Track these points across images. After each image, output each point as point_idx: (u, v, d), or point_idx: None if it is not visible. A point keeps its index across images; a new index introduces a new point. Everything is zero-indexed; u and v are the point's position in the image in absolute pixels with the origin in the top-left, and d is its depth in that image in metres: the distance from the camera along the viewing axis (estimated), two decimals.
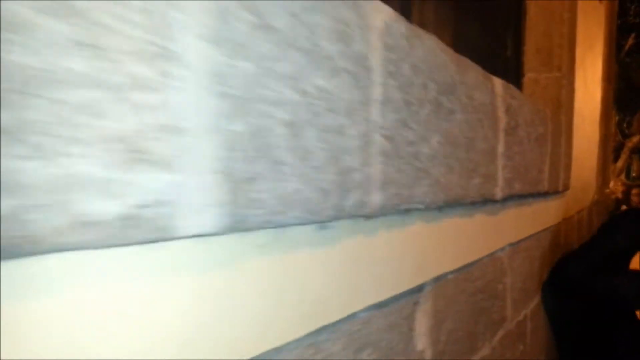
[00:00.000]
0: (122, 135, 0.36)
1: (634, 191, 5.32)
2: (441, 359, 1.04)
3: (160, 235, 0.40)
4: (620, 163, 11.36)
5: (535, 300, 1.85)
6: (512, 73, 1.94)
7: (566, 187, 2.05)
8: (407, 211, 0.83)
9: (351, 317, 0.73)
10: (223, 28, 0.43)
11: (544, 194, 1.73)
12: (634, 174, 15.17)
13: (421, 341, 0.97)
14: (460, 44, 1.56)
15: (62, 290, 0.36)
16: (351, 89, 0.62)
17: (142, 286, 0.42)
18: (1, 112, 0.29)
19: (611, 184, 6.27)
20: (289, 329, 0.60)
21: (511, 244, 1.48)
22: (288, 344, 0.60)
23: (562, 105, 1.97)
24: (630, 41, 9.87)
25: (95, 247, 0.36)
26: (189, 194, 0.42)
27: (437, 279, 1.01)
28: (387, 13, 0.70)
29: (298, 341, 0.62)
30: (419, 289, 0.94)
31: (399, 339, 0.88)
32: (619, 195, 5.89)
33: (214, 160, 0.44)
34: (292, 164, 0.53)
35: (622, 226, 2.05)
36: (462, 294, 1.14)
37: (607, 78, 3.65)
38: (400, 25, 0.73)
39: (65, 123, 0.33)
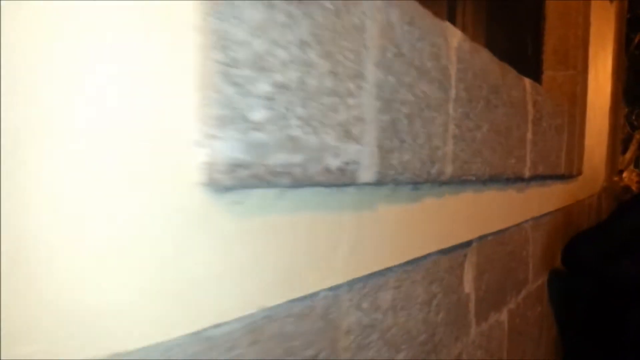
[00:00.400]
0: (342, 122, 0.64)
1: (615, 179, 5.51)
2: (483, 302, 1.33)
3: (352, 181, 0.68)
4: (628, 155, 11.55)
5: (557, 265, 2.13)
6: (533, 71, 2.20)
7: (579, 172, 2.32)
8: (464, 182, 1.11)
9: (427, 256, 1.02)
10: (383, 58, 0.71)
11: (561, 177, 2.01)
12: None
13: (468, 286, 1.25)
14: (491, 44, 1.82)
15: (296, 211, 0.64)
16: (438, 91, 0.90)
17: (329, 214, 0.70)
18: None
19: (625, 175, 6.47)
20: (397, 256, 0.88)
21: (534, 218, 1.76)
22: (392, 267, 0.88)
23: (576, 99, 2.24)
24: (638, 37, 10.05)
25: (328, 186, 0.65)
26: (364, 158, 0.70)
27: (481, 238, 1.29)
28: (458, 35, 0.97)
29: (399, 266, 0.90)
30: (467, 243, 1.22)
31: (454, 281, 1.17)
32: (634, 186, 6.06)
33: (374, 138, 0.72)
34: (408, 142, 0.81)
35: (633, 210, 2.14)
36: (497, 254, 1.43)
37: (617, 73, 3.90)
38: (466, 43, 1.01)
39: (323, 116, 0.61)
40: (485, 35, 1.82)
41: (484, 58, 1.10)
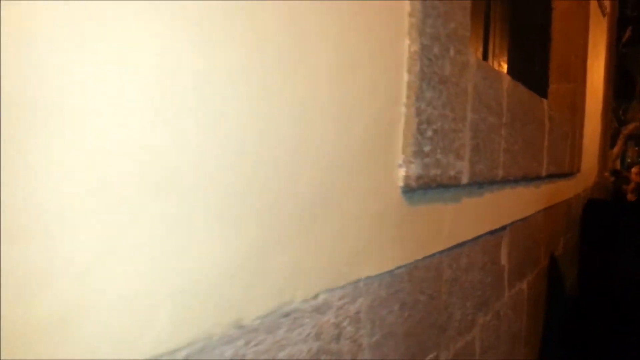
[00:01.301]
0: (455, 148, 1.07)
1: (634, 170, 5.95)
2: (512, 273, 1.77)
3: (459, 183, 1.11)
4: (616, 149, 12.13)
5: (557, 253, 2.58)
6: (541, 84, 2.64)
7: (578, 170, 2.78)
8: (506, 181, 1.54)
9: (482, 235, 1.45)
10: (473, 104, 1.14)
11: (565, 175, 2.46)
12: (629, 160, 16.00)
13: (503, 259, 1.69)
14: (512, 62, 2.25)
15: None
16: (497, 119, 1.33)
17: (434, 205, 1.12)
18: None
19: (634, 170, 6.92)
20: (469, 234, 1.31)
21: (545, 209, 2.20)
22: (466, 241, 1.31)
23: (576, 108, 2.69)
24: (628, 33, 10.57)
25: (448, 187, 1.07)
26: (465, 169, 1.12)
27: (512, 224, 1.72)
28: (507, 79, 1.40)
29: (470, 241, 1.33)
30: (504, 227, 1.65)
31: (496, 255, 1.60)
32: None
33: (468, 157, 1.14)
34: (482, 157, 1.23)
35: None
36: (521, 237, 1.87)
37: (608, 78, 4.37)
38: (511, 82, 1.44)
39: (450, 145, 1.03)
40: (508, 55, 2.25)
41: (520, 90, 1.54)
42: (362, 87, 0.78)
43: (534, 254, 2.10)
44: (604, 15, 3.79)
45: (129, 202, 0.46)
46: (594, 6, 3.26)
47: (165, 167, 0.49)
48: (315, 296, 0.74)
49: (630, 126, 12.31)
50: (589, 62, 3.08)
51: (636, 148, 20.81)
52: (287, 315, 0.68)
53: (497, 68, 1.98)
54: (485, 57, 1.87)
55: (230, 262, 0.58)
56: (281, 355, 0.68)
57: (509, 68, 2.14)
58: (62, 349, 0.42)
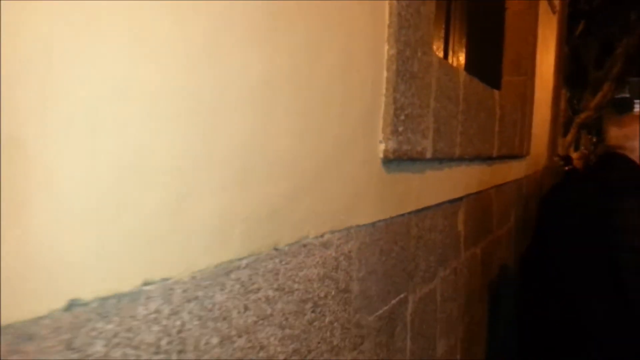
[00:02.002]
0: (421, 129, 1.37)
1: (575, 155, 6.44)
2: (468, 238, 2.10)
3: (424, 158, 1.41)
4: (569, 137, 12.84)
5: (505, 229, 2.94)
6: (495, 76, 2.98)
7: (528, 153, 3.14)
8: (462, 159, 1.85)
9: (443, 203, 1.76)
10: (435, 95, 1.44)
11: (515, 156, 2.81)
12: (582, 147, 16.88)
13: (460, 226, 2.01)
14: (469, 56, 2.57)
15: None
16: (454, 107, 1.63)
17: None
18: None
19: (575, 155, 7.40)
20: (432, 200, 1.61)
21: (496, 186, 2.55)
22: (430, 205, 1.62)
23: (526, 98, 3.05)
24: (581, 26, 11.21)
25: (415, 160, 1.37)
26: (428, 147, 1.43)
27: (468, 196, 2.05)
28: (463, 74, 1.71)
29: (433, 206, 1.64)
30: (460, 198, 1.98)
31: (454, 221, 1.92)
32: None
33: (431, 137, 1.45)
34: (443, 137, 1.54)
35: None
36: (476, 208, 2.20)
37: (558, 70, 4.78)
38: (467, 77, 1.75)
39: (417, 127, 1.33)
40: (466, 51, 2.57)
41: (475, 83, 1.85)
42: (357, 82, 1.06)
43: (487, 225, 2.44)
44: (553, 12, 4.18)
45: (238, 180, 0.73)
46: (543, 5, 3.63)
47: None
48: (322, 235, 1.02)
49: (583, 115, 13.03)
50: (539, 56, 3.45)
51: (589, 136, 21.91)
52: (304, 245, 0.96)
53: (456, 63, 2.29)
54: (446, 53, 2.18)
55: (272, 204, 0.86)
56: (301, 273, 0.96)
57: (467, 63, 2.46)
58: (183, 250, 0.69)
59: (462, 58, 2.45)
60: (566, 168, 6.10)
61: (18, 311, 0.50)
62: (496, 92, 2.21)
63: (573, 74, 12.09)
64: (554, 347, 1.76)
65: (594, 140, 22.98)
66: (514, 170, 2.95)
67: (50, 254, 0.52)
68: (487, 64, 2.83)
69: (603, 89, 12.64)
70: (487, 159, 2.23)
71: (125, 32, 0.58)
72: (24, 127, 0.49)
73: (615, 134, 1.92)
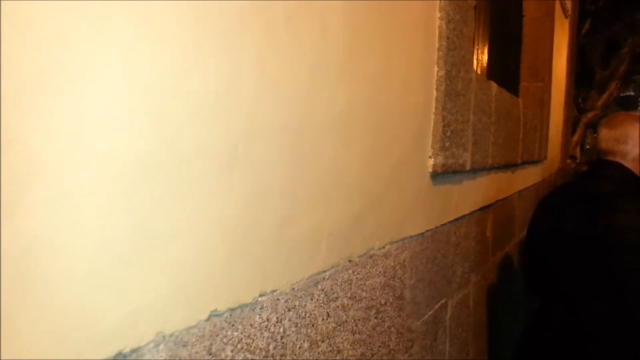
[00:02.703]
0: (463, 143, 1.46)
1: (568, 161, 6.44)
2: (495, 243, 2.19)
3: (464, 170, 1.51)
4: (576, 137, 12.93)
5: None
6: (514, 82, 3.08)
7: (545, 157, 3.24)
8: (492, 168, 1.95)
9: (475, 211, 1.85)
10: (473, 108, 1.54)
11: (535, 161, 2.91)
12: (587, 147, 17.00)
13: (488, 232, 2.11)
14: (490, 63, 2.66)
15: None
16: (488, 119, 1.73)
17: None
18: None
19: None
20: (468, 208, 1.71)
21: (519, 192, 2.64)
22: (465, 214, 1.71)
23: (544, 104, 3.14)
24: (587, 26, 11.29)
25: (457, 172, 1.47)
26: (468, 159, 1.52)
27: (495, 203, 2.14)
28: (495, 86, 1.80)
29: (467, 214, 1.73)
30: (489, 206, 2.07)
31: (483, 228, 2.02)
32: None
33: (470, 149, 1.54)
34: (479, 149, 1.63)
35: None
36: (501, 214, 2.29)
37: (569, 72, 4.87)
38: (497, 88, 1.84)
39: (459, 142, 1.43)
40: (487, 58, 2.67)
41: (504, 94, 1.95)
42: (412, 103, 1.16)
43: (510, 229, 2.54)
44: (566, 17, 4.27)
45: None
46: (557, 10, 3.72)
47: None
48: (384, 246, 1.12)
49: (589, 114, 13.10)
50: (554, 61, 3.55)
51: (595, 135, 22.03)
52: (371, 257, 1.06)
53: (480, 71, 2.39)
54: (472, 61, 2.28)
55: (348, 220, 0.95)
56: (367, 282, 1.05)
57: (488, 70, 2.55)
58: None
59: (484, 65, 2.54)
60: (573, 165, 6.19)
61: (176, 323, 0.60)
62: (520, 100, 2.31)
63: (579, 74, 12.19)
64: (556, 348, 1.76)
65: None
66: (533, 175, 3.05)
67: (195, 271, 0.62)
68: (506, 70, 2.93)
69: (609, 88, 12.74)
70: (512, 165, 2.33)
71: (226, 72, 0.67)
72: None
73: (605, 136, 1.74)
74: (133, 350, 0.55)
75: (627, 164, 1.67)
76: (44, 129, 0.44)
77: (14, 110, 0.42)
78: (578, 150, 12.90)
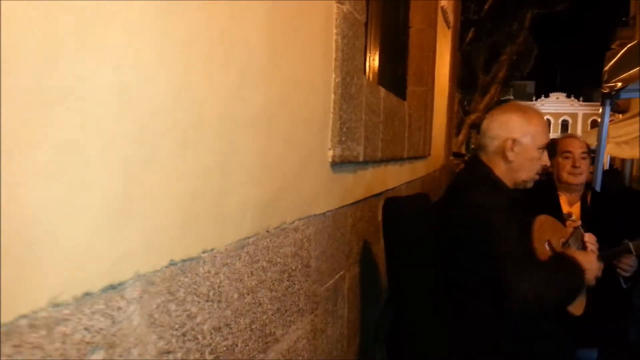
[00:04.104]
0: (356, 138, 1.77)
1: (456, 161, 7.08)
2: None
3: (358, 160, 1.81)
4: (461, 137, 14.13)
5: None
6: (401, 86, 3.48)
7: (429, 154, 3.68)
8: (382, 161, 2.28)
9: (368, 198, 2.17)
10: (365, 110, 1.85)
11: (420, 157, 3.32)
12: (472, 146, 18.52)
13: (379, 216, 2.44)
14: (381, 69, 3.01)
15: None
16: (377, 118, 2.05)
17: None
18: None
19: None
20: (362, 195, 2.02)
21: (407, 182, 3.03)
22: (360, 199, 2.02)
23: (427, 106, 3.58)
24: (471, 34, 12.39)
25: (351, 162, 1.76)
26: (361, 151, 1.82)
27: (386, 191, 2.48)
28: (383, 90, 2.13)
29: (361, 200, 2.04)
30: (380, 194, 2.40)
31: (375, 213, 2.34)
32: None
33: (363, 143, 1.85)
34: (370, 143, 1.95)
35: None
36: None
37: (452, 78, 5.45)
38: (385, 92, 2.17)
39: (354, 137, 1.73)
40: (378, 66, 3.02)
41: (391, 97, 2.29)
42: (315, 104, 1.43)
43: None
44: (449, 27, 4.80)
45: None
46: (440, 22, 4.21)
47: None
48: (293, 222, 1.37)
49: (473, 116, 14.32)
50: (437, 68, 4.01)
51: (478, 135, 24.00)
52: (283, 229, 1.31)
53: (372, 77, 2.73)
54: (364, 68, 2.61)
55: (267, 197, 1.20)
56: (281, 250, 1.31)
57: (379, 75, 2.91)
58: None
59: (376, 71, 2.89)
60: (455, 162, 6.87)
61: (147, 266, 0.81)
62: (405, 103, 2.68)
63: (464, 78, 13.32)
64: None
65: None
66: (419, 169, 3.47)
67: (159, 229, 0.84)
68: (395, 76, 3.32)
69: (490, 92, 14.08)
70: (399, 159, 2.69)
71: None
72: None
73: (481, 132, 1.77)
74: (120, 284, 0.76)
75: (486, 158, 1.69)
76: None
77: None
78: (463, 148, 14.06)
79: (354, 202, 1.93)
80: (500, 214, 1.54)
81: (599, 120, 4.35)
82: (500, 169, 1.69)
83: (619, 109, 9.25)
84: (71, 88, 0.64)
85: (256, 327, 1.19)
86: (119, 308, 0.75)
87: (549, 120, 45.84)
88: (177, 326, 0.89)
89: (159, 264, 0.84)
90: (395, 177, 2.66)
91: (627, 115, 8.73)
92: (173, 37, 0.83)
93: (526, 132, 1.65)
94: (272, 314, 1.27)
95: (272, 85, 1.18)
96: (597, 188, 3.58)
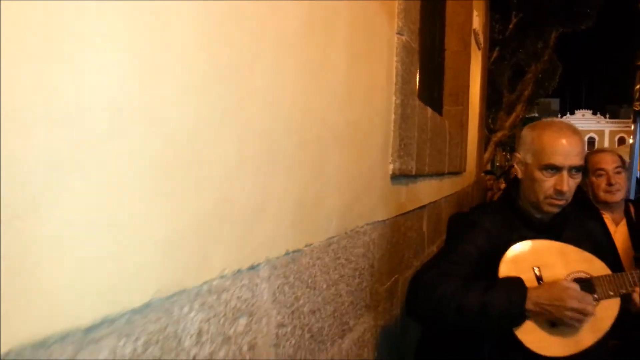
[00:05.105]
0: (410, 153, 1.96)
1: (487, 177, 7.10)
2: (429, 237, 2.71)
3: (411, 174, 2.00)
4: (487, 155, 14.16)
5: None
6: (438, 105, 3.67)
7: (464, 170, 3.85)
8: (428, 175, 2.47)
9: (415, 209, 2.35)
10: (419, 129, 2.04)
11: (457, 173, 3.50)
12: (497, 164, 18.55)
13: (424, 227, 2.62)
14: (422, 92, 3.21)
15: None
16: (425, 135, 2.25)
17: None
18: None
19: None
20: (413, 206, 2.21)
21: (445, 197, 3.20)
22: (412, 209, 2.21)
23: (463, 125, 3.76)
24: (495, 53, 12.54)
25: (406, 176, 1.96)
26: (413, 166, 2.02)
27: (429, 204, 2.66)
28: (429, 110, 2.33)
29: (415, 209, 2.23)
30: (424, 206, 2.59)
31: (421, 224, 2.53)
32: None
33: (415, 159, 2.04)
34: (420, 159, 2.14)
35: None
36: (433, 214, 2.82)
37: (482, 97, 5.62)
38: (431, 111, 2.37)
39: (409, 152, 1.93)
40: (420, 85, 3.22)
41: (436, 116, 2.49)
42: (381, 122, 1.64)
43: (439, 228, 3.08)
44: (479, 49, 5.00)
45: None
46: (473, 44, 4.41)
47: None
48: (363, 226, 1.57)
49: (499, 134, 14.37)
50: (470, 87, 4.20)
51: (503, 153, 24.05)
52: (357, 232, 1.51)
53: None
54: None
55: (346, 205, 1.40)
56: (355, 251, 1.50)
57: (421, 97, 3.11)
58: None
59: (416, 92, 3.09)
60: (488, 179, 6.99)
61: (272, 254, 1.01)
62: (446, 121, 2.87)
63: (489, 96, 13.43)
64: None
65: (508, 156, 25.40)
66: (456, 184, 3.64)
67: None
68: (432, 95, 3.52)
69: (516, 110, 14.14)
70: (441, 174, 2.88)
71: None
72: None
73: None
74: (257, 265, 0.96)
75: (520, 175, 1.56)
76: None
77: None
78: (489, 165, 14.12)
79: (405, 212, 2.12)
80: (471, 231, 1.52)
81: (628, 137, 4.46)
82: (522, 187, 1.58)
83: None
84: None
85: (337, 315, 1.38)
86: (256, 284, 0.95)
87: None
88: (288, 305, 1.09)
89: (279, 252, 1.05)
90: (437, 191, 2.84)
91: None
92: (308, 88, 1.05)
93: (528, 149, 1.52)
94: (347, 305, 1.46)
95: (350, 109, 1.38)
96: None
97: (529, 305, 1.38)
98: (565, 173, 1.47)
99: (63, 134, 0.53)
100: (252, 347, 0.95)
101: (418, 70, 2.55)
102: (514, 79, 14.65)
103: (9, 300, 0.49)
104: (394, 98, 1.75)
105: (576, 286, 1.41)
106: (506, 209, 1.59)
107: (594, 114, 55.03)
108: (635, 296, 1.48)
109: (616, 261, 1.72)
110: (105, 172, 0.59)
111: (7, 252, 0.48)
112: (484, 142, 6.68)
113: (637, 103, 3.85)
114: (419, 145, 2.11)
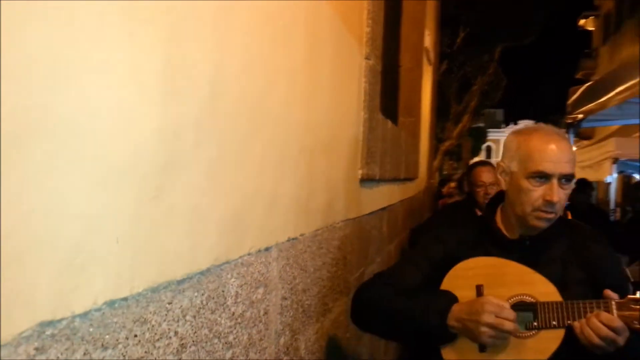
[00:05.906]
0: (376, 160, 2.28)
1: (452, 184, 7.54)
2: (388, 236, 3.03)
3: (375, 178, 2.32)
4: (435, 163, 14.80)
5: (405, 232, 3.96)
6: (395, 117, 4.02)
7: (417, 176, 4.23)
8: (387, 180, 2.80)
9: (376, 211, 2.67)
10: (381, 138, 2.37)
11: (411, 179, 3.86)
12: (444, 172, 19.31)
13: (384, 227, 2.95)
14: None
15: None
16: (386, 145, 2.57)
17: None
18: None
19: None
20: (375, 207, 2.52)
21: (401, 201, 3.55)
22: (376, 210, 2.52)
23: (415, 134, 4.14)
24: (444, 66, 13.18)
25: (372, 180, 2.28)
26: (378, 171, 2.34)
27: (388, 207, 2.99)
28: (389, 123, 2.66)
29: (378, 210, 2.54)
30: (384, 208, 2.91)
31: (381, 224, 2.85)
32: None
33: (380, 166, 2.36)
34: (384, 166, 2.46)
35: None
36: (392, 216, 3.15)
37: (432, 108, 6.06)
38: (391, 124, 2.70)
39: (374, 160, 2.24)
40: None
41: (394, 128, 2.82)
42: (351, 134, 1.94)
43: (396, 229, 3.42)
44: (430, 64, 5.42)
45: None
46: (424, 60, 4.81)
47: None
48: (338, 222, 1.86)
49: (447, 143, 15.03)
50: (422, 100, 4.59)
51: (451, 161, 25.00)
52: (333, 227, 1.80)
53: None
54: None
55: (327, 204, 1.69)
56: (333, 243, 1.79)
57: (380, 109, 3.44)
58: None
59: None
60: (442, 189, 7.44)
61: (279, 239, 1.29)
62: (403, 131, 3.22)
63: (438, 107, 14.06)
64: None
65: (455, 165, 26.45)
66: (410, 189, 4.01)
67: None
68: (390, 107, 3.87)
69: (463, 120, 14.87)
70: (398, 180, 3.22)
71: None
72: None
73: None
74: (269, 247, 1.23)
75: (504, 186, 1.43)
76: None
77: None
78: (437, 173, 14.75)
79: (370, 212, 2.43)
80: (430, 243, 1.53)
81: None
82: (506, 199, 1.45)
83: (584, 135, 9.99)
84: None
85: (321, 296, 1.67)
86: (269, 262, 1.23)
87: None
88: (289, 282, 1.37)
89: (284, 238, 1.33)
90: (395, 194, 3.18)
91: (592, 141, 9.52)
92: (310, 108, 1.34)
93: (513, 156, 1.38)
94: (327, 289, 1.76)
95: (333, 123, 1.68)
96: None
97: (451, 320, 1.32)
98: (555, 182, 1.33)
99: (169, 150, 0.81)
100: (266, 312, 1.22)
101: (380, 88, 2.88)
102: (461, 90, 15.37)
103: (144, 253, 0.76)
104: (362, 113, 2.06)
105: (504, 304, 1.29)
106: (478, 225, 1.53)
107: (536, 123, 57.35)
108: (577, 329, 1.28)
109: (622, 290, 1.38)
110: (196, 173, 0.87)
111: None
112: (433, 151, 7.14)
113: (569, 117, 4.32)
114: (381, 154, 2.43)
